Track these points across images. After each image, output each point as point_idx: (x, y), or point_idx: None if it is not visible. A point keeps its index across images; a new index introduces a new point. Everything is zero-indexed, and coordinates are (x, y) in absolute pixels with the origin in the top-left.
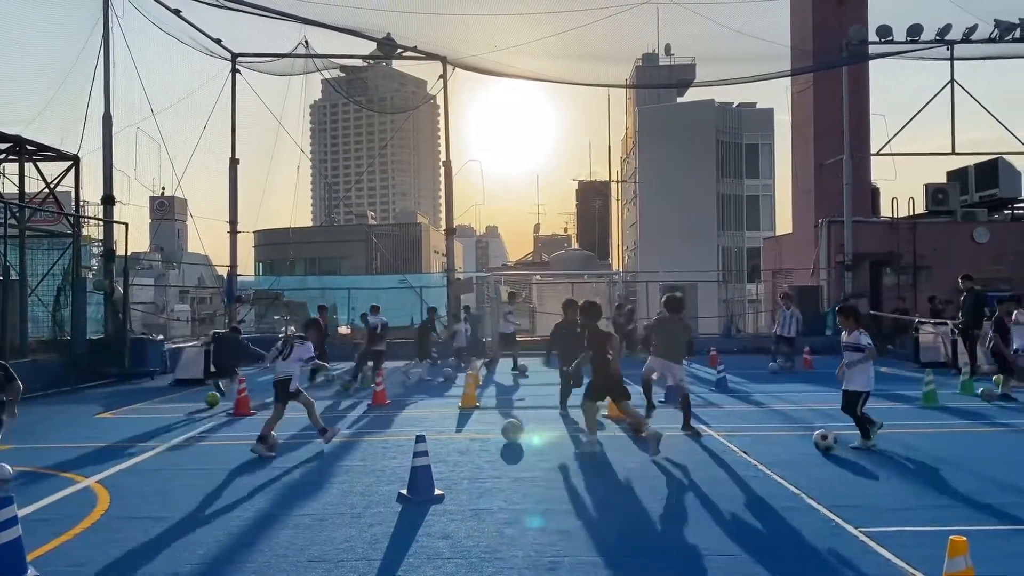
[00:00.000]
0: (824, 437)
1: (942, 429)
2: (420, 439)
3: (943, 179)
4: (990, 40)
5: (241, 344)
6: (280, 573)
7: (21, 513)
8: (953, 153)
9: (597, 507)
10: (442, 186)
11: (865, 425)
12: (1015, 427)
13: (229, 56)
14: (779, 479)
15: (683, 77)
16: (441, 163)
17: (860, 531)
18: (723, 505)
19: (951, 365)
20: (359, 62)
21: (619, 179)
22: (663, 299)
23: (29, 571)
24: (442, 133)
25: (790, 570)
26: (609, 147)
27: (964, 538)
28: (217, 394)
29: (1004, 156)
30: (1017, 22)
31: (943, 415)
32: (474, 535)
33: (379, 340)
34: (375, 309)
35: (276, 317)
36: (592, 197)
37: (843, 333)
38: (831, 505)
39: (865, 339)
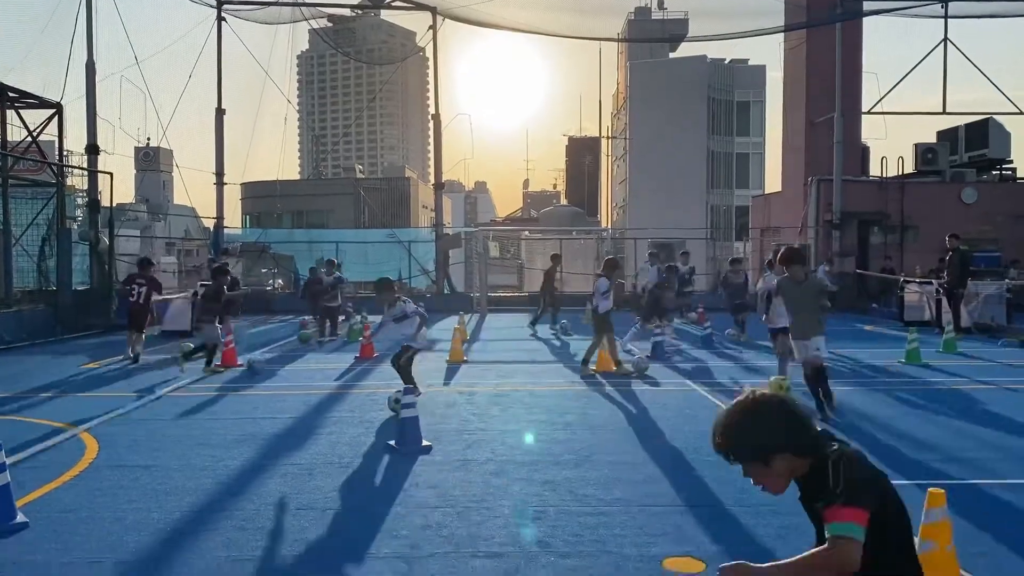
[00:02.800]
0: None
1: (924, 387)
2: (408, 391)
3: (933, 139)
4: None
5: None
6: (268, 521)
7: (9, 461)
8: (944, 113)
9: (583, 459)
10: (431, 140)
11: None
12: (995, 384)
13: (215, 3)
14: None
15: (676, 32)
16: (430, 116)
17: None
18: (706, 458)
19: (935, 324)
20: (347, 12)
21: (609, 135)
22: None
23: (18, 516)
24: (431, 86)
25: (771, 522)
26: (600, 103)
27: (943, 490)
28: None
29: (995, 116)
30: None
31: (925, 372)
32: (461, 485)
33: (332, 298)
34: (330, 264)
35: (264, 270)
36: (582, 153)
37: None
38: None
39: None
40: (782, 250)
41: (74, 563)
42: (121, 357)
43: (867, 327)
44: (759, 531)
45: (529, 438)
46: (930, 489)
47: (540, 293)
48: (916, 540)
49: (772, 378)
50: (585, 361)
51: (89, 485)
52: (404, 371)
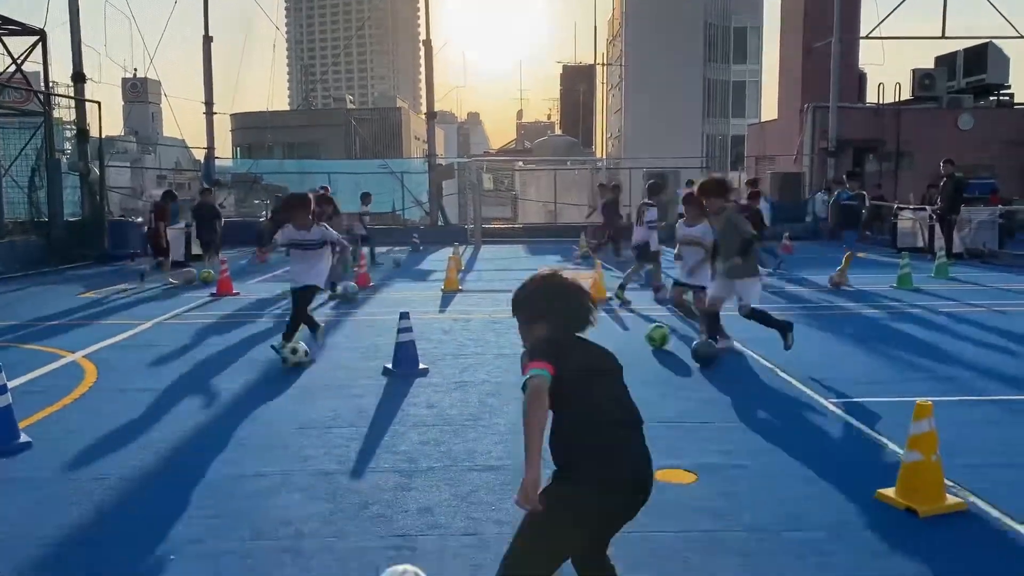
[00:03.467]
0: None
1: (914, 310)
2: (404, 316)
3: (931, 65)
4: None
5: (217, 211)
6: (269, 440)
7: (9, 385)
8: (943, 37)
9: None
10: (422, 69)
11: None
12: (985, 307)
13: None
14: (753, 354)
15: None
16: (421, 43)
17: (831, 402)
18: (700, 378)
19: (928, 251)
20: None
21: (604, 62)
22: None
23: (22, 436)
24: (422, 13)
25: (761, 436)
26: (595, 29)
27: (930, 403)
28: (210, 271)
29: (994, 41)
30: None
31: (916, 296)
32: (458, 405)
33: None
34: (325, 190)
35: (256, 201)
36: (577, 82)
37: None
38: (804, 379)
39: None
40: (700, 182)
41: (79, 480)
42: (123, 285)
43: (860, 254)
44: (748, 446)
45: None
46: (918, 402)
47: (604, 227)
48: (903, 451)
49: (653, 326)
50: (622, 287)
51: (90, 408)
52: (299, 316)
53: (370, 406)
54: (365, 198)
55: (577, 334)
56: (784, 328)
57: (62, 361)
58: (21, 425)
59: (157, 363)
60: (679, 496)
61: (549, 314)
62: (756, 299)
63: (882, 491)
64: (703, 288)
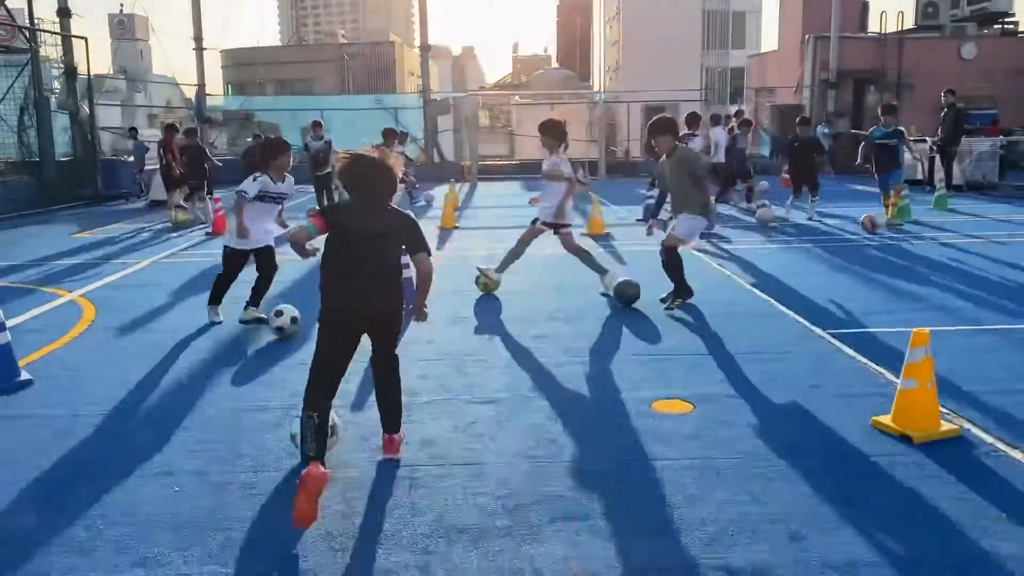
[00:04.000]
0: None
1: (913, 242)
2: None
3: None
4: None
5: (205, 153)
6: (269, 374)
7: (8, 324)
8: None
9: (574, 316)
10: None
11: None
12: (983, 238)
13: None
14: (752, 288)
15: None
16: None
17: (828, 333)
18: (701, 312)
19: (927, 183)
20: None
21: None
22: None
23: (22, 374)
24: None
25: (758, 368)
26: None
27: (927, 330)
28: (183, 215)
29: None
30: None
31: (914, 228)
32: (457, 340)
33: (322, 165)
34: (316, 127)
35: (248, 139)
36: (573, 14)
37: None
38: (801, 310)
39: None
40: (653, 119)
41: (82, 415)
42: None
43: (858, 187)
44: (745, 377)
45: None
46: (915, 330)
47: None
48: (899, 379)
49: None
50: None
51: (90, 346)
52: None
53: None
54: (393, 137)
55: (367, 203)
56: (682, 293)
57: (59, 300)
58: (21, 363)
59: (155, 302)
60: (677, 425)
61: (348, 187)
62: (687, 238)
63: (877, 418)
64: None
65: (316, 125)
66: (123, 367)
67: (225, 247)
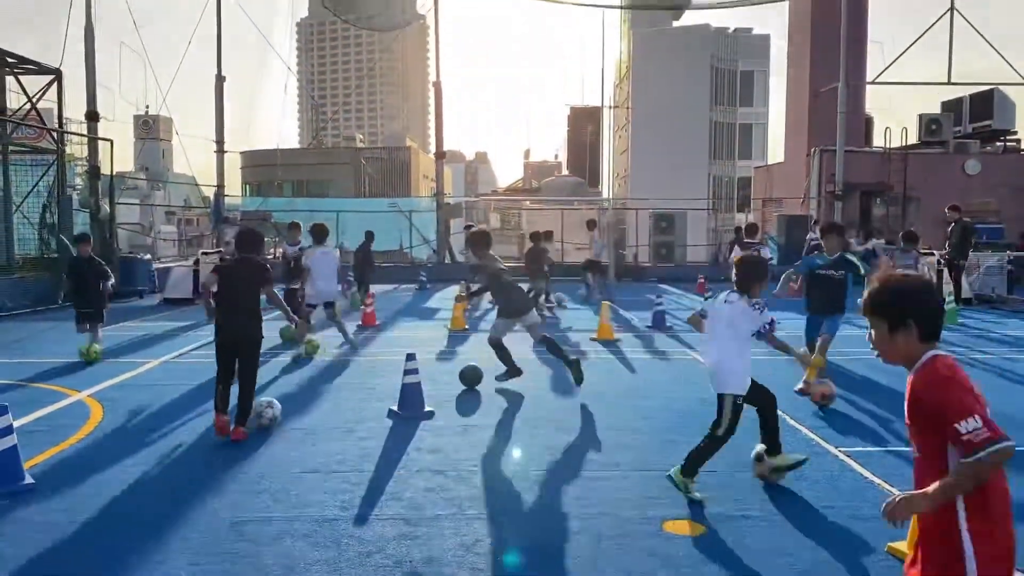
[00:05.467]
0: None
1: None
2: (411, 357)
3: (938, 109)
4: None
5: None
6: (272, 484)
7: (15, 424)
8: (949, 83)
9: (583, 425)
10: (431, 109)
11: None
12: (995, 354)
13: None
14: None
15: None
16: (431, 84)
17: (840, 450)
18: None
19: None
20: None
21: (612, 104)
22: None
23: (26, 478)
24: (432, 53)
25: (770, 487)
26: (603, 72)
27: None
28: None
29: (1000, 87)
30: None
31: None
32: (463, 449)
33: (293, 275)
34: (293, 229)
35: (265, 239)
36: (584, 123)
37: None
38: (812, 426)
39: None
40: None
41: (80, 523)
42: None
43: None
44: (756, 494)
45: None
46: None
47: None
48: None
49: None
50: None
51: (95, 448)
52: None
53: (375, 450)
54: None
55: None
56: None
57: (68, 400)
58: (26, 465)
59: (161, 403)
60: (689, 549)
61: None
62: (534, 332)
63: (893, 544)
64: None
65: (293, 227)
66: (125, 472)
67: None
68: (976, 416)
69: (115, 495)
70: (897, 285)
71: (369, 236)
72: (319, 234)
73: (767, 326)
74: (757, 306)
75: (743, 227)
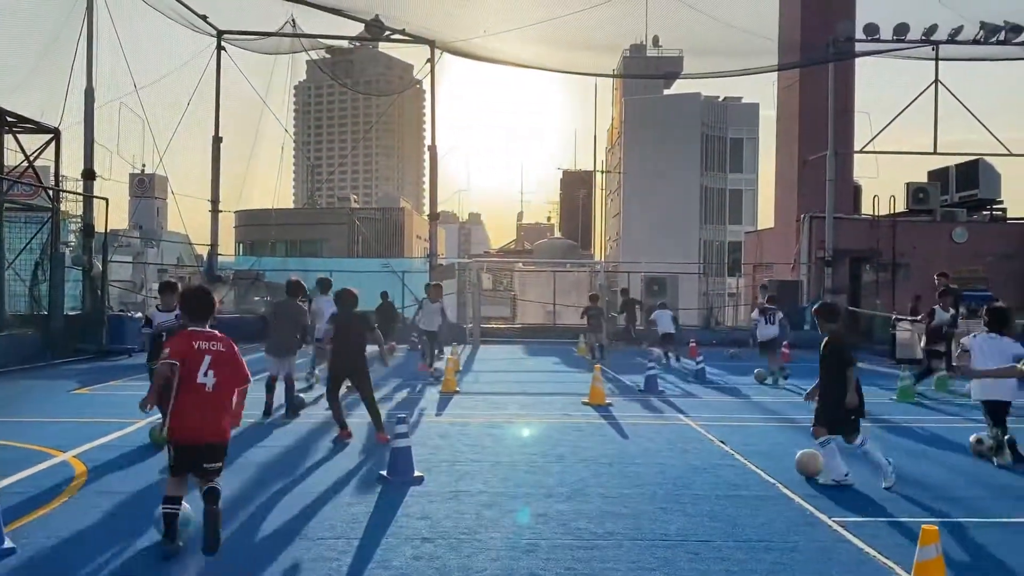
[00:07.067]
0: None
1: (915, 423)
2: (401, 421)
3: (924, 178)
4: (975, 42)
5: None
6: (259, 550)
7: None
8: (935, 153)
9: (575, 492)
10: (426, 171)
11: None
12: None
13: (215, 33)
14: (756, 468)
15: (670, 69)
16: (426, 148)
17: (834, 520)
18: (700, 492)
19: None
20: (346, 43)
21: (604, 169)
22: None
23: (6, 542)
24: (427, 118)
25: (764, 558)
26: (595, 137)
27: (936, 527)
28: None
29: (984, 157)
30: (1002, 24)
31: (917, 410)
32: (453, 516)
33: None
34: (167, 291)
35: (256, 298)
36: (576, 186)
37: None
38: (806, 495)
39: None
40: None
41: None
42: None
43: (859, 364)
44: (750, 566)
45: (526, 431)
46: (923, 526)
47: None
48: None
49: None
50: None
51: (77, 510)
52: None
53: (363, 516)
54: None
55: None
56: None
57: (53, 461)
58: (7, 529)
59: (146, 464)
60: None
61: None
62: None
63: None
64: None
65: (166, 290)
66: (107, 536)
67: None
68: None
69: (93, 562)
70: None
71: (385, 295)
72: (326, 287)
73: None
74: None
75: (764, 295)
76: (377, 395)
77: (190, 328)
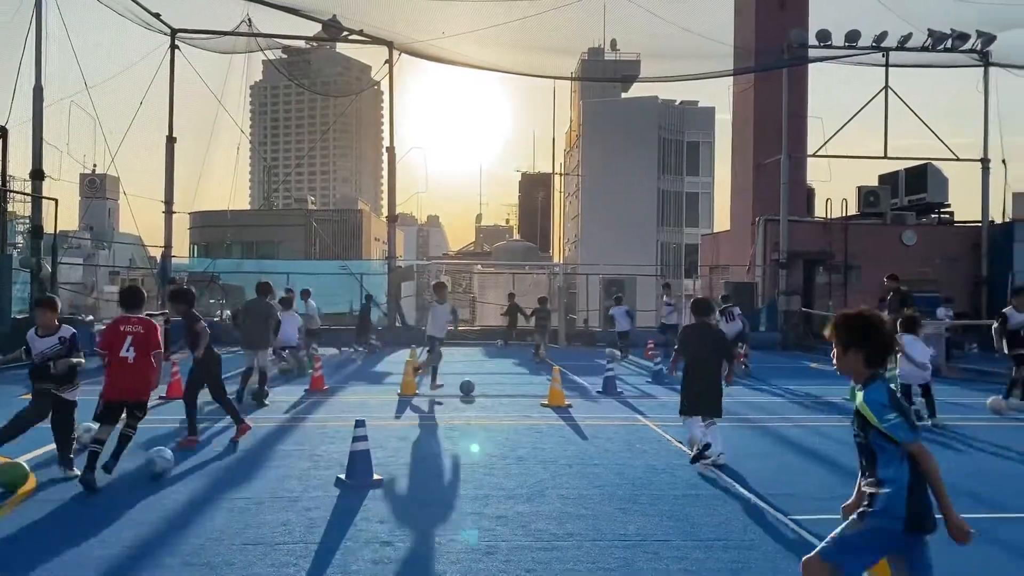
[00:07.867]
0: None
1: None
2: (360, 424)
3: (875, 182)
4: (923, 49)
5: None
6: (215, 556)
7: None
8: (885, 157)
9: (534, 494)
10: (384, 173)
11: None
12: (935, 420)
13: (168, 31)
14: (713, 468)
15: (628, 72)
16: (384, 149)
17: (790, 519)
18: (658, 493)
19: None
20: (303, 43)
21: (562, 172)
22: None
23: None
24: (385, 119)
25: (722, 557)
26: (553, 140)
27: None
28: None
29: (933, 162)
30: (949, 32)
31: None
32: (413, 519)
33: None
34: (46, 310)
35: (211, 301)
36: (535, 189)
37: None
38: (764, 494)
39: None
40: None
41: None
42: None
43: (812, 364)
44: (709, 565)
45: (475, 447)
46: None
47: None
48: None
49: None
50: None
51: (29, 517)
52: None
53: (321, 520)
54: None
55: None
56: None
57: None
58: None
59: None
60: None
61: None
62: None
63: None
64: None
65: (43, 307)
66: (60, 543)
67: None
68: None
69: (44, 570)
70: None
71: (369, 298)
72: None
73: None
74: None
75: (721, 295)
76: (341, 399)
77: (120, 315)
